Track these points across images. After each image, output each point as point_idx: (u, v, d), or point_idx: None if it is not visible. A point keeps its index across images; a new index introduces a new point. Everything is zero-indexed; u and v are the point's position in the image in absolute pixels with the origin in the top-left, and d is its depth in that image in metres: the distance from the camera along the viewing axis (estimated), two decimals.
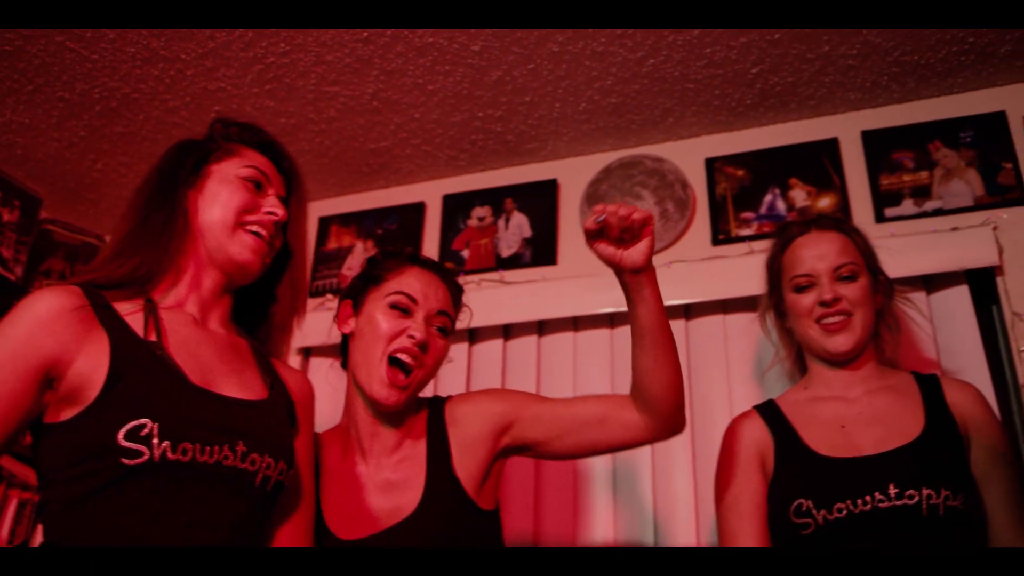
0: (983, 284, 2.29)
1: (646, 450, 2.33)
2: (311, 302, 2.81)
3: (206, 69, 2.41)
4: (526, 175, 2.76)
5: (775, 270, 1.86)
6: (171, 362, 1.26)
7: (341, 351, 1.72)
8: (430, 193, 2.84)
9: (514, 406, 1.65)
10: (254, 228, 1.40)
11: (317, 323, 2.68)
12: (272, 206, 1.43)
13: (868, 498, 1.55)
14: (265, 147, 1.50)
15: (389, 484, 1.57)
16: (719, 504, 1.77)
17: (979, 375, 2.15)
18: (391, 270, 1.64)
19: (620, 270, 1.49)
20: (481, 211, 2.74)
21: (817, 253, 1.76)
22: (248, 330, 1.49)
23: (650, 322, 1.50)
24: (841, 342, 1.72)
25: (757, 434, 1.77)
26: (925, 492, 1.53)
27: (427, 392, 1.70)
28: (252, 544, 1.30)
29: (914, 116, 2.49)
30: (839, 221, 1.85)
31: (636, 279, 1.48)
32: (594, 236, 1.46)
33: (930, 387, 1.73)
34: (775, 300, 1.88)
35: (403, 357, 1.55)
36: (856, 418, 1.71)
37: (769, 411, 1.81)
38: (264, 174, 1.45)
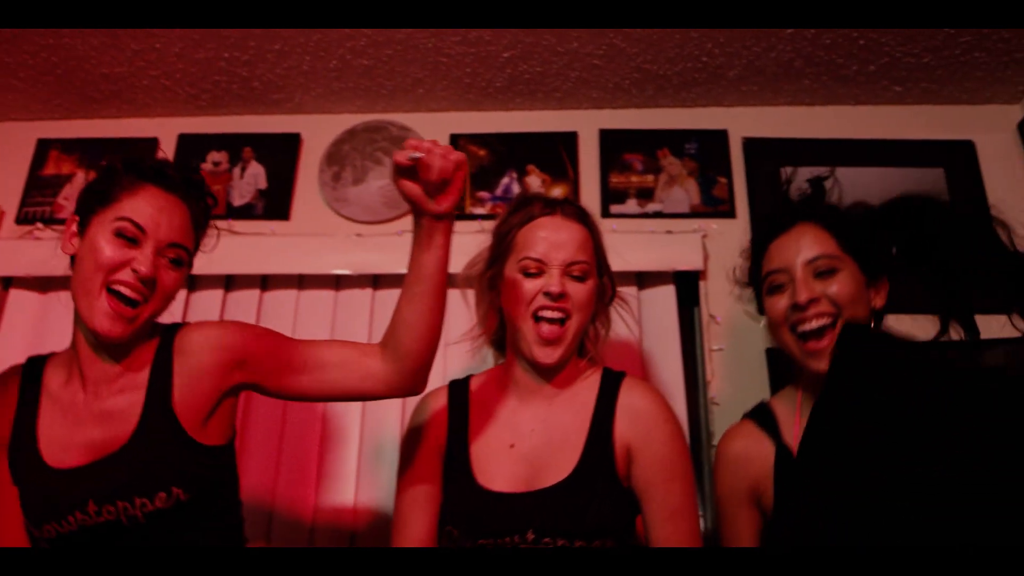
0: (688, 286, 2.46)
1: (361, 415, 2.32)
2: (17, 229, 2.59)
3: None
4: (268, 125, 2.67)
5: (506, 242, 1.71)
6: None
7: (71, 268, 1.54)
8: (165, 130, 2.68)
9: (250, 339, 1.56)
10: None
11: (21, 252, 2.49)
12: None
13: (508, 540, 1.53)
14: None
15: (106, 414, 1.47)
16: (399, 483, 1.72)
17: (674, 368, 2.32)
18: (124, 188, 1.46)
19: (422, 212, 1.43)
20: (217, 156, 2.62)
21: (556, 241, 1.64)
22: None
23: (431, 271, 1.45)
24: (548, 353, 1.62)
25: (438, 419, 1.72)
26: (560, 542, 1.50)
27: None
28: None
29: (648, 122, 2.63)
30: (585, 214, 1.74)
31: (434, 224, 1.43)
32: (403, 173, 1.39)
33: (606, 400, 1.66)
34: (495, 272, 1.73)
35: (125, 291, 1.42)
36: (528, 436, 1.65)
37: (458, 392, 1.76)
38: None
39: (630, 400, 1.65)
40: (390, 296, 2.44)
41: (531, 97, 2.61)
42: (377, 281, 2.46)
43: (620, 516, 1.57)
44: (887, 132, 2.59)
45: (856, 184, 2.51)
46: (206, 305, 2.46)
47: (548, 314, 1.62)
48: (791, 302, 1.58)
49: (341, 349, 1.55)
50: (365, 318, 2.42)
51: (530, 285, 1.63)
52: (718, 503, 1.71)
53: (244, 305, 2.47)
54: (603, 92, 2.59)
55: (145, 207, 1.45)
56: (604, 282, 1.75)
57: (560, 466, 1.59)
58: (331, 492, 2.28)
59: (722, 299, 2.40)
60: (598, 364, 1.76)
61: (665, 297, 2.42)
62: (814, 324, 1.56)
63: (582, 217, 1.72)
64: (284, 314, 2.45)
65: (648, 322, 2.39)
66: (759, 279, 1.70)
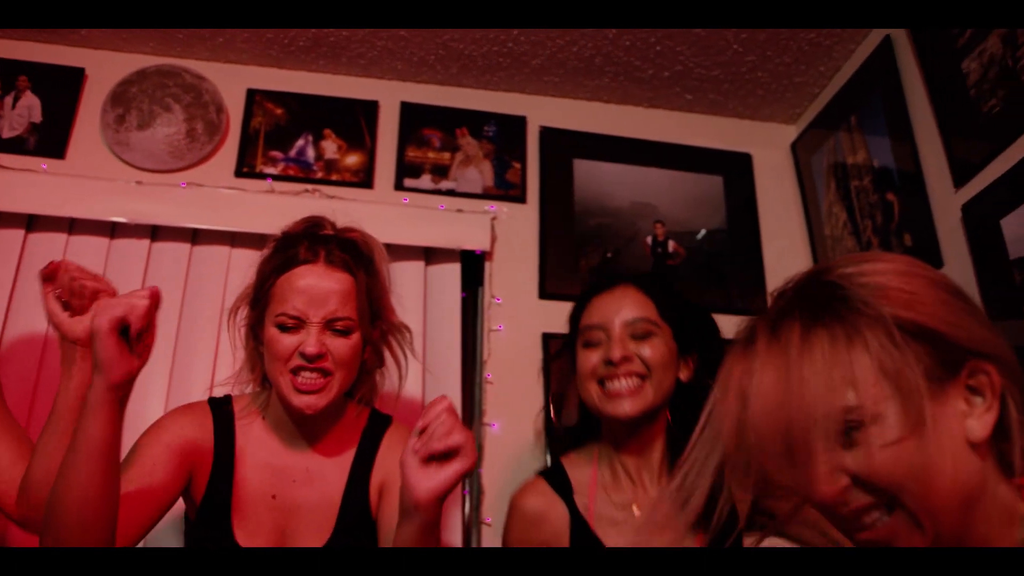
0: (474, 266, 2.51)
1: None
2: None
3: None
4: (49, 55, 2.48)
5: (265, 289, 1.58)
6: None
7: None
8: None
9: None
10: None
11: None
12: None
13: None
14: None
15: None
16: (124, 465, 1.52)
17: (453, 345, 2.38)
18: None
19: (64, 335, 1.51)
20: None
21: (316, 295, 1.52)
22: None
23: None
24: (309, 403, 1.52)
25: (204, 443, 1.57)
26: None
27: None
28: None
29: (450, 100, 2.66)
30: (354, 257, 1.60)
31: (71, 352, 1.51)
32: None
33: (366, 453, 1.64)
34: (255, 318, 1.61)
35: None
36: (290, 487, 1.58)
37: (222, 418, 1.62)
38: None
39: (391, 451, 1.62)
40: (168, 249, 2.35)
41: (335, 60, 2.57)
42: (155, 233, 2.37)
43: None
44: (675, 136, 2.73)
45: (642, 183, 2.64)
46: None
47: (305, 376, 1.52)
48: (605, 357, 1.62)
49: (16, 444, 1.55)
50: (139, 269, 2.32)
51: (287, 341, 1.51)
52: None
53: (5, 246, 2.31)
54: (408, 65, 2.58)
55: None
56: (379, 329, 1.66)
57: (319, 524, 1.56)
58: None
59: (505, 281, 2.47)
60: (367, 405, 1.73)
61: (450, 275, 2.46)
62: (623, 383, 1.60)
63: (347, 264, 1.58)
64: (51, 259, 2.31)
65: (432, 298, 2.43)
66: (575, 332, 1.73)
